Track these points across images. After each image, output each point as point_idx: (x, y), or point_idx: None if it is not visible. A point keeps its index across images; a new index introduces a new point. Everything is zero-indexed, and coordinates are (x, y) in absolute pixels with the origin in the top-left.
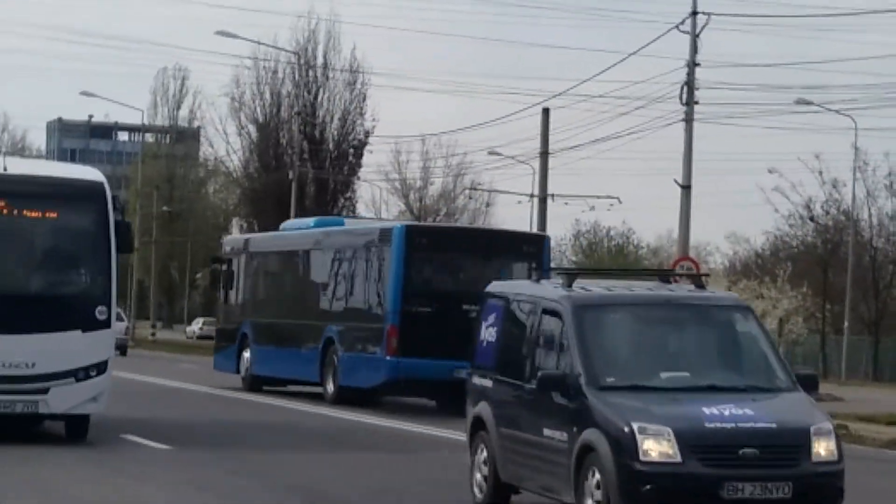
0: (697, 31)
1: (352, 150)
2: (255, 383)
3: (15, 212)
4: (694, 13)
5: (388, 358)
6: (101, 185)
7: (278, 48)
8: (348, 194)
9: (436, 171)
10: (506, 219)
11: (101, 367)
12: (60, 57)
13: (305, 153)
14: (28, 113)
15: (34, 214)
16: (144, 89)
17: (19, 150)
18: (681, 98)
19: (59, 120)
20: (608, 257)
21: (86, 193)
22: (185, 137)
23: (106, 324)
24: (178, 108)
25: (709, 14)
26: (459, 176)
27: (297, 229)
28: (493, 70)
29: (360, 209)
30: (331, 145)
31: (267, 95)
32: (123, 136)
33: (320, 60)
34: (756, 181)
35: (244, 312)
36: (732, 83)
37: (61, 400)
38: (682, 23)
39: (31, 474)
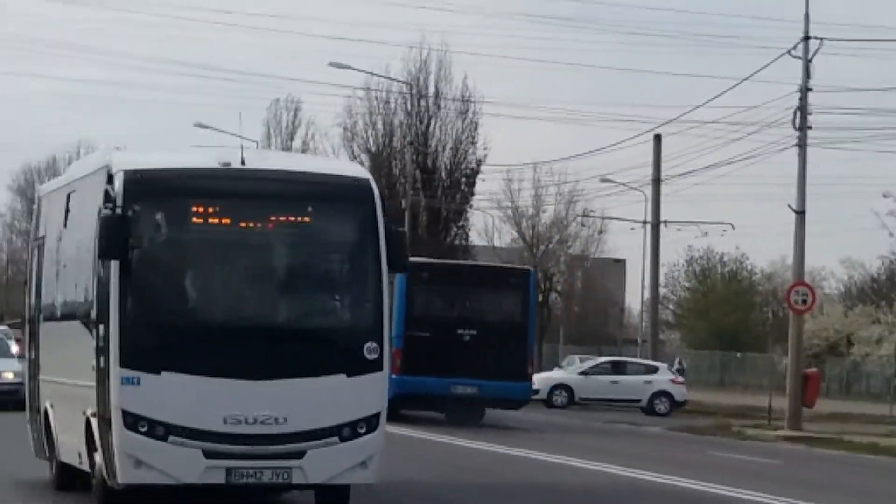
0: (810, 56)
1: (464, 179)
2: None
3: (257, 219)
4: (806, 38)
5: (393, 377)
6: (367, 183)
7: (390, 78)
8: (461, 223)
9: (548, 198)
10: (618, 245)
11: (371, 423)
12: (174, 89)
13: (418, 182)
14: (144, 145)
15: (282, 221)
16: (258, 120)
17: None
18: (794, 123)
19: None
20: (721, 283)
21: (349, 194)
22: None
23: (377, 365)
24: (292, 138)
25: (821, 39)
26: (571, 203)
27: None
28: (604, 97)
29: (473, 237)
30: (443, 174)
31: (379, 125)
32: None
33: (432, 90)
34: (870, 205)
35: None
36: (845, 107)
37: (321, 466)
38: (794, 48)
39: None
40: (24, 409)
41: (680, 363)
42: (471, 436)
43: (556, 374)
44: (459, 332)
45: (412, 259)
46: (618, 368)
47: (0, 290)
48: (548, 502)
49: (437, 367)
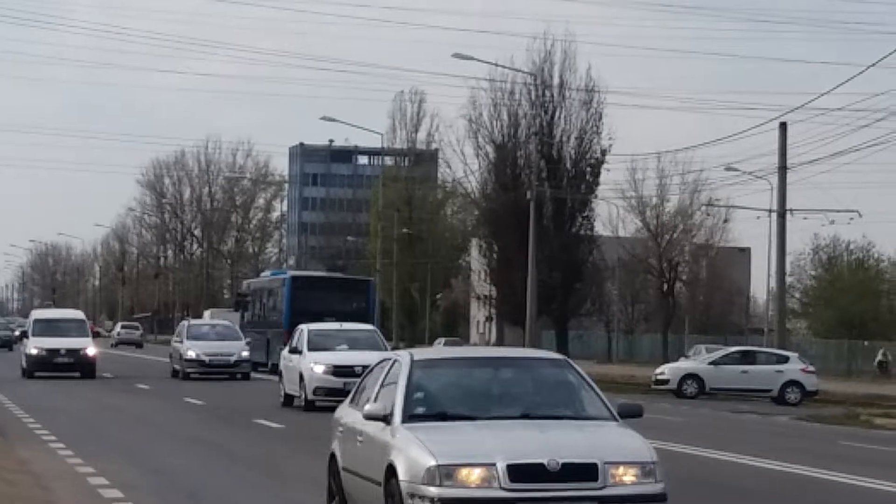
0: None
1: (589, 169)
2: None
3: None
4: None
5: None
6: None
7: (515, 69)
8: (585, 213)
9: (672, 187)
10: (743, 234)
11: None
12: (301, 83)
13: (543, 173)
14: (271, 139)
15: None
16: (382, 113)
17: (262, 175)
18: None
19: (301, 145)
20: (848, 271)
21: None
22: (424, 160)
23: None
24: (416, 130)
25: None
26: (696, 192)
27: (262, 277)
28: (728, 86)
29: (598, 227)
30: (568, 164)
31: (504, 116)
32: (363, 159)
33: (556, 80)
34: None
35: (247, 325)
36: None
37: None
38: None
39: None
40: None
41: (884, 355)
42: None
43: (685, 364)
44: (325, 319)
45: (294, 273)
46: (748, 358)
47: (130, 284)
48: (701, 494)
49: None
